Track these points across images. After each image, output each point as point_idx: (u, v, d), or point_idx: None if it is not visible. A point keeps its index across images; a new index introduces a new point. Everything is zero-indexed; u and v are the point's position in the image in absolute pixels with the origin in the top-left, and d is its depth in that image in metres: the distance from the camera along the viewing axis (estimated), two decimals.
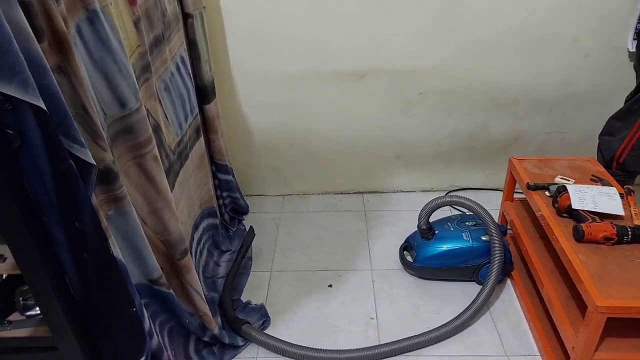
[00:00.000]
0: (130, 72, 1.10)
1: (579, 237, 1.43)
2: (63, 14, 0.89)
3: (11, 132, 0.77)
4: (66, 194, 0.86)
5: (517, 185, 1.89)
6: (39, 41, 0.80)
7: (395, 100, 2.19)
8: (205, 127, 1.93)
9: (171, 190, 1.40)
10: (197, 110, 1.82)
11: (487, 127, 2.27)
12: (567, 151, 2.30)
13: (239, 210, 2.25)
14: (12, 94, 0.73)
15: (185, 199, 1.69)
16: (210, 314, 1.55)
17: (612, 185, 1.64)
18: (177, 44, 1.58)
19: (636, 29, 1.94)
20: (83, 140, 0.90)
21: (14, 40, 0.71)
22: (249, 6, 1.95)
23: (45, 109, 0.79)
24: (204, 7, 1.81)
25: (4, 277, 1.14)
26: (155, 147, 1.25)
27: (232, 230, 2.17)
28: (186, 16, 1.66)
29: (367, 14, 1.97)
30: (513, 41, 2.03)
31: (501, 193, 2.04)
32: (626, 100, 1.89)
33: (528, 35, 2.02)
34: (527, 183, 1.70)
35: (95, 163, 0.93)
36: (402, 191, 2.48)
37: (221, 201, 2.15)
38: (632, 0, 1.90)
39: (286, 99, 2.18)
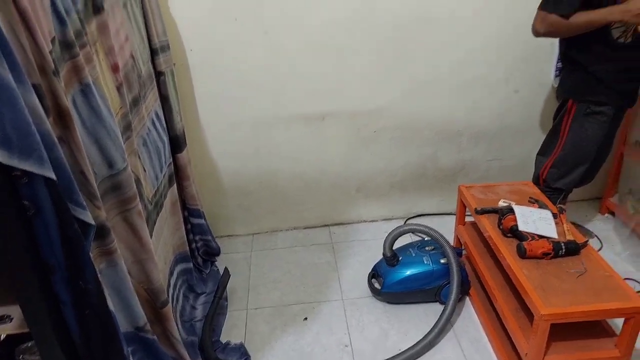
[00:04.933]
0: (118, 135, 1.19)
1: (522, 254, 1.61)
2: (62, 89, 0.98)
3: (27, 202, 0.84)
4: (72, 256, 0.93)
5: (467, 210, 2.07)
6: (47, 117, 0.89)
7: (353, 138, 2.36)
8: (178, 175, 2.00)
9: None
10: (170, 159, 1.90)
11: (436, 158, 2.49)
12: (506, 175, 2.54)
13: (211, 252, 2.30)
14: (30, 170, 0.81)
15: (162, 247, 1.74)
16: None
17: (547, 208, 1.84)
18: (151, 101, 1.67)
19: (556, 67, 2.22)
20: (84, 203, 0.97)
21: (32, 123, 0.80)
22: (214, 60, 2.08)
23: (56, 180, 0.87)
24: (174, 64, 1.91)
25: (2, 337, 1.15)
26: (139, 202, 1.33)
27: (205, 272, 2.20)
28: (158, 74, 1.76)
29: (324, 63, 2.16)
30: (451, 82, 2.28)
31: (453, 217, 2.22)
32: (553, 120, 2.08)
33: (463, 76, 2.27)
34: (475, 208, 1.89)
35: (94, 223, 1.00)
36: (366, 221, 2.62)
37: (194, 245, 2.19)
38: (550, 43, 2.18)
39: (253, 142, 2.30)
